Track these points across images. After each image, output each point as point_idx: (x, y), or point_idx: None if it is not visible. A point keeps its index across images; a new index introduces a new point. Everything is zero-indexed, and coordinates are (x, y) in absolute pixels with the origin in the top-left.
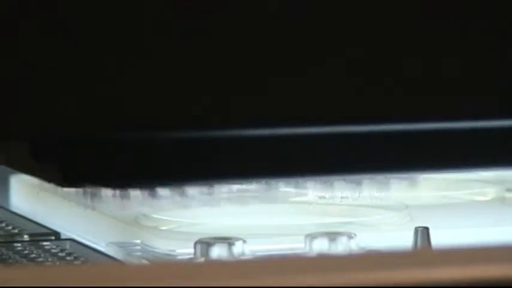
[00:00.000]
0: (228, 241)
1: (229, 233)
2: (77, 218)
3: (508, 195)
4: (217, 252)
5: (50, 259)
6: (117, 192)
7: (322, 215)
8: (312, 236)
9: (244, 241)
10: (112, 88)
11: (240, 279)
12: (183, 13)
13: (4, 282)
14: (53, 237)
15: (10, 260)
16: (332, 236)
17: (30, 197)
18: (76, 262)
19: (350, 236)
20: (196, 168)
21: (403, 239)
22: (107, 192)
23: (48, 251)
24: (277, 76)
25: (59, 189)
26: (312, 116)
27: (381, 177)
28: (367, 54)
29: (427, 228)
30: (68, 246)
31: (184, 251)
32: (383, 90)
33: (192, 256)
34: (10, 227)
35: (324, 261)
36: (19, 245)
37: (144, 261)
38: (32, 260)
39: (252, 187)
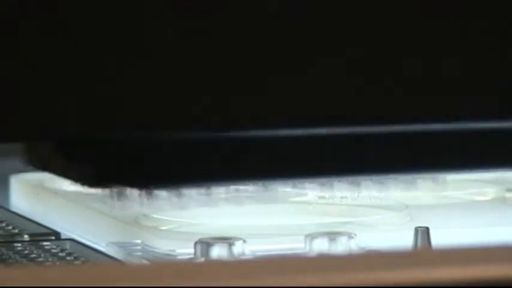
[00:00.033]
0: (228, 241)
1: (229, 233)
2: (77, 218)
3: (508, 195)
4: (217, 252)
5: (50, 259)
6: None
7: (322, 215)
8: (312, 236)
9: (244, 241)
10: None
11: (240, 279)
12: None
13: (4, 282)
14: (53, 237)
15: (10, 260)
16: (332, 236)
17: (30, 197)
18: (76, 262)
19: (350, 236)
20: (221, 169)
21: (403, 239)
22: (133, 192)
23: (48, 251)
24: (277, 76)
25: (59, 189)
26: (312, 117)
27: (380, 177)
28: (367, 54)
29: (427, 228)
30: (68, 246)
31: (185, 251)
32: (383, 91)
33: (192, 256)
34: (10, 227)
35: (324, 261)
36: (19, 245)
37: (144, 261)
38: (32, 260)
39: (251, 187)
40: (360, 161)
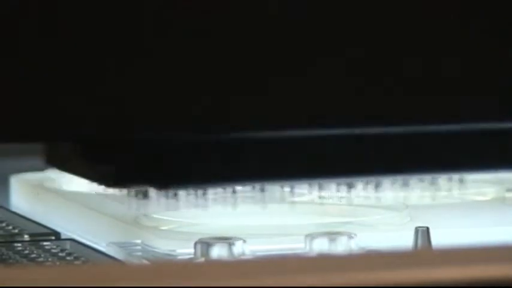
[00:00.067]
0: (228, 241)
1: (229, 233)
2: (77, 218)
3: (508, 195)
4: (217, 252)
5: (50, 259)
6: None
7: (322, 215)
8: (312, 236)
9: (244, 241)
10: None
11: (240, 279)
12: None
13: (4, 282)
14: (53, 237)
15: (10, 260)
16: (332, 236)
17: (30, 197)
18: (76, 262)
19: (350, 236)
20: (247, 169)
21: (403, 239)
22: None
23: (48, 251)
24: (277, 76)
25: (59, 189)
26: (312, 117)
27: (380, 178)
28: (367, 54)
29: (427, 228)
30: (68, 246)
31: (185, 251)
32: (383, 91)
33: (192, 256)
34: (10, 227)
35: (324, 261)
36: (19, 245)
37: (145, 261)
38: (32, 260)
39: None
40: (359, 161)
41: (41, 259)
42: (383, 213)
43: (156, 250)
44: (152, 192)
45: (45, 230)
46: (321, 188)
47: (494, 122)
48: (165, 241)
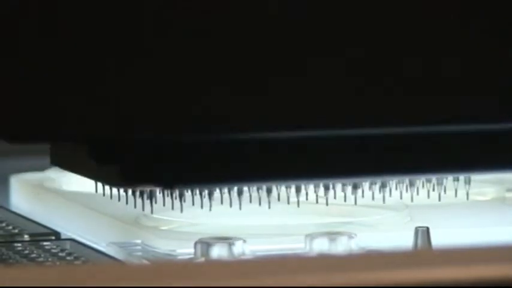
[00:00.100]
0: (228, 241)
1: (230, 233)
2: (77, 218)
3: (508, 195)
4: (217, 252)
5: (50, 259)
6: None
7: (322, 215)
8: (312, 236)
9: (244, 241)
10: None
11: (240, 279)
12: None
13: (4, 282)
14: (53, 237)
15: (10, 260)
16: (332, 236)
17: (30, 197)
18: (76, 262)
19: (350, 236)
20: (247, 169)
21: (403, 239)
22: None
23: (48, 251)
24: (277, 76)
25: (59, 189)
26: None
27: (380, 178)
28: (367, 54)
29: (427, 228)
30: (68, 246)
31: (185, 251)
32: (383, 91)
33: (192, 256)
34: (10, 227)
35: (324, 261)
36: (19, 245)
37: (144, 261)
38: (32, 260)
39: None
40: (359, 162)
41: (41, 259)
42: (383, 213)
43: (156, 250)
44: (157, 192)
45: (45, 230)
46: (321, 188)
47: (494, 122)
48: (165, 241)
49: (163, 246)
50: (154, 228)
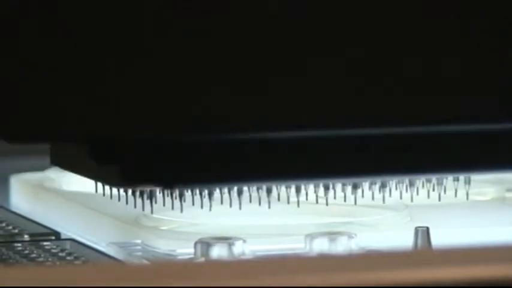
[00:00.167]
0: (228, 241)
1: (230, 233)
2: (77, 218)
3: (508, 195)
4: (217, 252)
5: (50, 259)
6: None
7: (322, 215)
8: (312, 236)
9: (244, 241)
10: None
11: (240, 279)
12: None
13: (4, 282)
14: (53, 237)
15: (10, 260)
16: (332, 236)
17: (30, 197)
18: (76, 262)
19: (350, 236)
20: (247, 169)
21: (403, 239)
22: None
23: (48, 251)
24: (277, 76)
25: (59, 189)
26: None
27: (380, 178)
28: (367, 54)
29: (427, 228)
30: (68, 246)
31: (185, 251)
32: (383, 91)
33: (192, 256)
34: (10, 227)
35: (324, 261)
36: (19, 245)
37: (144, 261)
38: (32, 260)
39: (251, 187)
40: (359, 162)
41: (41, 259)
42: (383, 213)
43: (156, 250)
44: (157, 192)
45: (45, 230)
46: (320, 187)
47: (494, 122)
48: (165, 241)
49: (163, 246)
50: (154, 228)
